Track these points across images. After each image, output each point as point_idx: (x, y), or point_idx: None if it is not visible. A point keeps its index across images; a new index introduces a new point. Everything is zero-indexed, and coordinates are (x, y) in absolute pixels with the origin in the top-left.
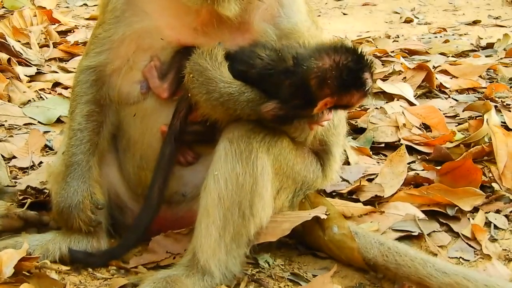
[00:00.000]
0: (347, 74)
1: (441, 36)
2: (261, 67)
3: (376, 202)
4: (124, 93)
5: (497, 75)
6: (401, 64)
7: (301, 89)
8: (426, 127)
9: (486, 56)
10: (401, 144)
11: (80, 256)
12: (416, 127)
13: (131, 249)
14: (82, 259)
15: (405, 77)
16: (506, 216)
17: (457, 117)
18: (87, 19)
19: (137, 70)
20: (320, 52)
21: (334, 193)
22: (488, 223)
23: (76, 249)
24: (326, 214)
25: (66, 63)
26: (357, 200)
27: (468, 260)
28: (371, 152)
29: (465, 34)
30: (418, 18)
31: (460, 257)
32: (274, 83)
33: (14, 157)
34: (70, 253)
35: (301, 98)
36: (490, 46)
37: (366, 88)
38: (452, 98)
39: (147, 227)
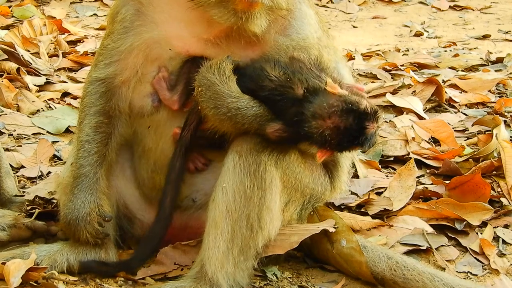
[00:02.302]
0: (348, 139)
1: (450, 50)
2: (269, 91)
3: (385, 215)
4: (136, 107)
5: (506, 89)
6: (411, 77)
7: (306, 126)
8: (435, 141)
9: (496, 71)
10: (410, 158)
11: (93, 265)
12: (425, 141)
13: (146, 261)
14: (94, 268)
15: (414, 91)
16: None
17: (466, 132)
18: (96, 29)
19: (147, 83)
20: (327, 106)
21: (342, 206)
22: (496, 238)
23: (88, 260)
24: (334, 227)
25: (75, 73)
26: (365, 214)
27: (476, 275)
28: (380, 166)
29: (475, 48)
30: (428, 32)
31: (468, 272)
32: (282, 107)
33: (22, 166)
34: (82, 263)
35: (304, 130)
36: (499, 60)
37: (365, 147)
38: (461, 112)
39: (162, 239)
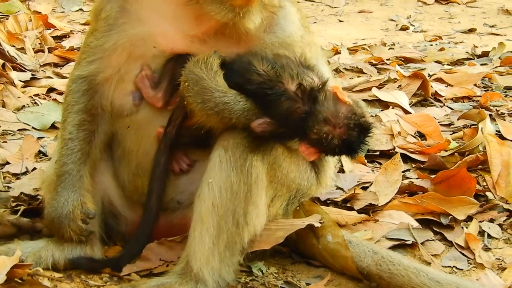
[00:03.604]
0: (346, 150)
1: (436, 44)
2: (258, 85)
3: (371, 210)
4: (117, 106)
5: (492, 83)
6: (397, 72)
7: (298, 122)
8: (421, 136)
9: (481, 65)
10: (396, 152)
11: (82, 262)
12: (411, 135)
13: (134, 259)
14: (83, 264)
15: (400, 85)
16: (499, 225)
17: (452, 126)
18: (82, 24)
19: (129, 81)
20: (335, 114)
21: (328, 201)
22: (481, 232)
23: (78, 256)
24: (320, 222)
25: (61, 69)
26: (351, 209)
27: (462, 269)
28: (365, 160)
29: (460, 42)
30: (414, 26)
31: (454, 266)
32: (270, 101)
33: (7, 163)
34: (71, 259)
35: (293, 124)
36: (485, 54)
37: (355, 158)
38: (447, 106)
39: (149, 237)
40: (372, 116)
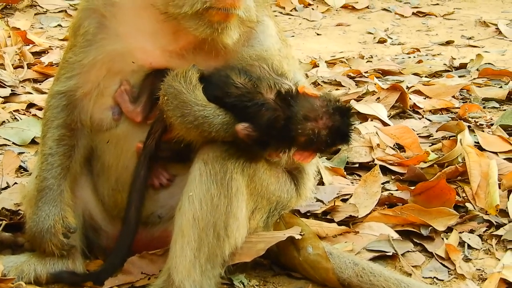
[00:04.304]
0: (338, 137)
1: (414, 57)
2: (236, 97)
3: (351, 222)
4: (96, 120)
5: (470, 95)
6: (375, 84)
7: (282, 130)
8: (400, 148)
9: (460, 77)
10: (375, 164)
11: (64, 276)
12: (390, 147)
13: (115, 272)
14: (65, 278)
15: (378, 98)
16: (479, 236)
17: (430, 137)
18: (61, 40)
19: (108, 96)
20: (311, 108)
21: (308, 214)
22: (462, 243)
23: (60, 270)
24: (300, 235)
25: (40, 84)
26: (331, 221)
27: (442, 280)
28: (345, 173)
29: (438, 54)
30: (391, 38)
31: (434, 277)
32: (251, 113)
33: None
34: (53, 274)
35: (278, 133)
36: (463, 66)
37: (350, 142)
38: (425, 118)
39: (129, 248)
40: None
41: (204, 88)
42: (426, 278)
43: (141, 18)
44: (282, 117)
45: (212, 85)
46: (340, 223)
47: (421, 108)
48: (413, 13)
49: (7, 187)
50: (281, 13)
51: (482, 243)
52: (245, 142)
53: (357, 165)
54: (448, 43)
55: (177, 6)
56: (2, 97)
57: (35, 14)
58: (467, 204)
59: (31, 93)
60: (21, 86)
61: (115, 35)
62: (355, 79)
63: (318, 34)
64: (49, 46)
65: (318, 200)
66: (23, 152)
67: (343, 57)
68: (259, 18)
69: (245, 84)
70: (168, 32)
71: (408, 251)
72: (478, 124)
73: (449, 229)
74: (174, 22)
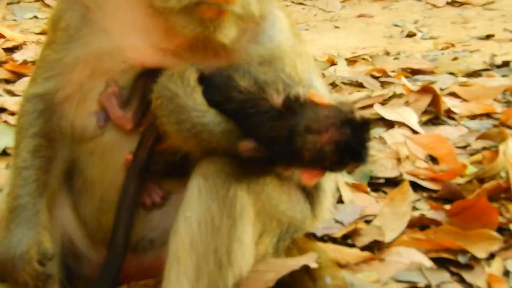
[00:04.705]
0: (348, 154)
1: (449, 53)
2: (238, 103)
3: (375, 247)
4: (78, 128)
5: None
6: (403, 85)
7: (298, 141)
8: (432, 160)
9: (502, 76)
10: (404, 179)
11: None
12: (421, 159)
13: None
14: None
15: (407, 101)
16: None
17: (468, 148)
18: (37, 33)
19: (93, 100)
20: (318, 119)
21: (326, 237)
22: (506, 272)
23: None
24: (316, 262)
25: (13, 85)
26: (352, 246)
27: None
28: (368, 189)
29: (476, 50)
30: (422, 32)
31: None
32: (255, 121)
33: None
34: None
35: (282, 146)
36: (506, 64)
37: (364, 162)
38: (462, 125)
39: (116, 279)
40: (375, 137)
41: (204, 91)
42: None
43: (131, 12)
44: (287, 127)
45: (212, 88)
46: (363, 249)
47: (457, 114)
48: (447, 3)
49: None
50: (292, 2)
51: None
52: (249, 160)
53: (382, 181)
54: (488, 37)
55: (163, 0)
56: None
57: (8, 4)
58: None
59: (1, 96)
60: None
61: (101, 30)
62: (380, 79)
63: (336, 27)
64: (24, 41)
65: (337, 221)
66: None
67: (366, 54)
68: (266, 11)
69: (249, 88)
70: (161, 28)
71: (443, 282)
72: None
73: (492, 256)
74: (162, 18)
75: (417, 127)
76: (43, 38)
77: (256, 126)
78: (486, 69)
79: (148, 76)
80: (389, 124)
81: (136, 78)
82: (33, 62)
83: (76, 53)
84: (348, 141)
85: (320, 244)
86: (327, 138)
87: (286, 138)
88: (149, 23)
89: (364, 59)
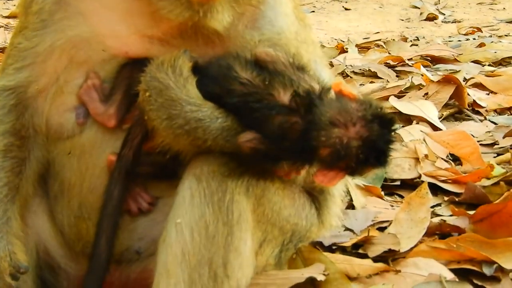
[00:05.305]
0: (372, 153)
1: (474, 39)
2: (241, 97)
3: (390, 258)
4: (54, 125)
5: None
6: (422, 75)
7: (300, 140)
8: (455, 159)
9: None
10: (422, 181)
11: None
12: (442, 159)
13: None
14: None
15: (427, 93)
16: None
17: (495, 146)
18: (6, 17)
19: (70, 93)
20: (342, 110)
21: (334, 247)
22: None
23: None
24: (324, 275)
25: None
26: (364, 256)
27: None
28: (382, 193)
29: (506, 35)
30: (444, 14)
31: None
32: (258, 118)
33: None
34: None
35: (294, 144)
36: None
37: (386, 165)
38: (489, 120)
39: None
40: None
41: (198, 82)
42: None
43: None
44: (300, 123)
45: (209, 78)
46: (376, 259)
47: (483, 107)
48: None
49: None
50: None
51: None
52: (250, 156)
53: (398, 183)
54: None
55: None
56: None
57: None
58: None
59: None
60: None
61: (79, 14)
62: (396, 68)
63: (346, 9)
64: None
65: (347, 229)
66: None
67: (380, 40)
68: None
69: (252, 79)
70: (146, 11)
71: None
72: None
73: None
74: (146, 1)
75: (437, 122)
76: (12, 22)
77: (262, 122)
78: None
79: (133, 66)
80: (406, 119)
81: (120, 69)
82: (1, 50)
83: (51, 40)
84: (374, 139)
85: (328, 254)
86: (355, 132)
87: (301, 135)
88: (131, 6)
89: (378, 45)
